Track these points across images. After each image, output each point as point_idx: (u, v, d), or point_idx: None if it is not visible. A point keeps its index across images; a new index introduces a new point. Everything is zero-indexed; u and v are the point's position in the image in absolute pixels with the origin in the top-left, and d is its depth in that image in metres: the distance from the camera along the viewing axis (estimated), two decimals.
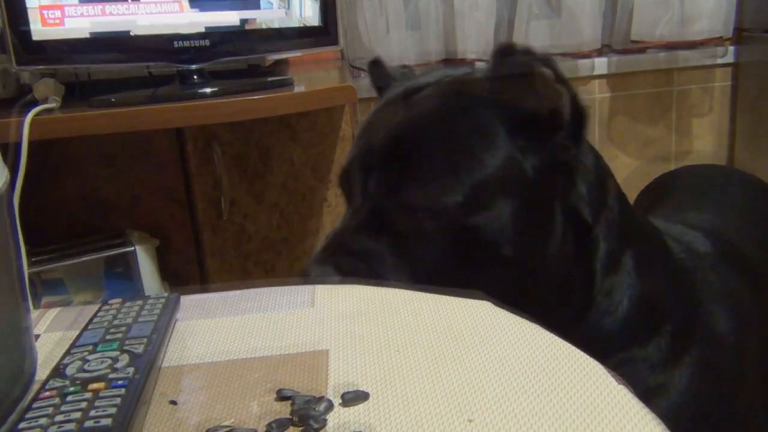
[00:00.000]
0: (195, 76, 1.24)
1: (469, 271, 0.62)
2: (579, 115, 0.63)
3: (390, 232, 0.64)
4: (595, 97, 1.93)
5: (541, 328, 0.44)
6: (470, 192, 0.60)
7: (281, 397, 0.37)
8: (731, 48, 1.93)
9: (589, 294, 0.65)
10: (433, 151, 0.62)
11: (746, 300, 0.75)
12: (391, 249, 0.63)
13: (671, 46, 1.88)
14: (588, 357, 0.39)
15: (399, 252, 0.63)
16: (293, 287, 0.52)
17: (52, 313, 0.51)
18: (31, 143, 1.05)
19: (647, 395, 0.64)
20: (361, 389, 0.37)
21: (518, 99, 0.62)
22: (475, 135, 0.62)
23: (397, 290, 0.50)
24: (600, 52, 1.86)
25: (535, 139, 0.62)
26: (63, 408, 0.33)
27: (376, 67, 0.82)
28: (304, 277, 0.62)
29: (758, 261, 0.84)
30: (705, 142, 2.02)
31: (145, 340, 0.40)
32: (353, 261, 0.63)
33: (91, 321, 0.44)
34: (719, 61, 1.93)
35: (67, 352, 0.39)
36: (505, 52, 0.63)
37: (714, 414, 0.68)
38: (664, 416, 0.64)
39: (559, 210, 0.64)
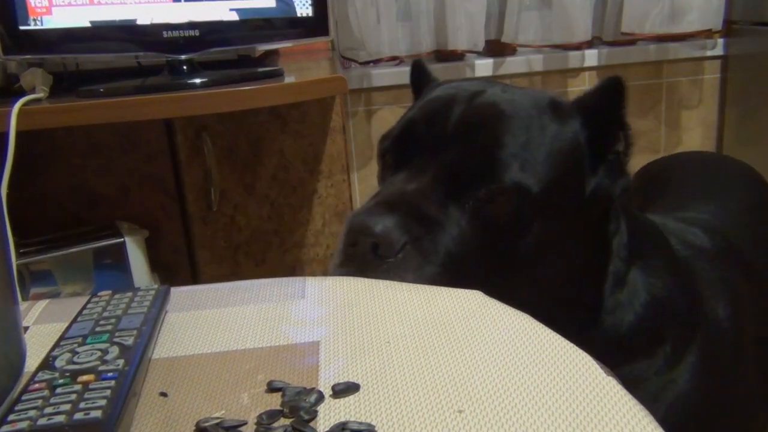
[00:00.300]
0: (184, 67, 1.23)
1: (511, 267, 0.62)
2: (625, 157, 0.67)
3: (456, 206, 0.61)
4: (585, 89, 1.93)
5: (531, 318, 0.44)
6: (548, 185, 0.61)
7: (272, 388, 0.37)
8: (720, 40, 1.93)
9: (595, 313, 0.66)
10: (521, 136, 0.62)
11: (742, 290, 0.77)
12: (454, 223, 0.60)
13: (661, 39, 1.88)
14: (577, 348, 0.40)
15: (461, 229, 0.60)
16: (284, 279, 0.52)
17: (41, 305, 0.51)
18: (18, 133, 1.04)
19: (655, 394, 0.65)
20: (351, 381, 0.37)
21: (604, 126, 0.65)
22: (562, 137, 0.64)
23: (387, 282, 0.50)
24: (590, 44, 1.87)
25: (595, 165, 0.65)
26: (52, 400, 0.33)
27: (418, 67, 0.82)
28: (360, 230, 0.57)
29: (751, 251, 0.85)
30: (694, 134, 2.03)
31: (134, 332, 0.40)
32: (418, 224, 0.58)
33: (80, 313, 0.44)
34: (709, 53, 1.94)
35: (57, 345, 0.39)
36: (617, 82, 0.65)
37: (716, 401, 0.69)
38: (671, 408, 0.65)
39: (591, 234, 0.67)
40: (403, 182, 0.62)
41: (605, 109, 0.65)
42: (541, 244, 0.62)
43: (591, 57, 1.88)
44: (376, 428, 0.33)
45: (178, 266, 1.35)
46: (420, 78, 0.80)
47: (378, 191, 0.65)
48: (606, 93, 0.66)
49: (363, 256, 0.57)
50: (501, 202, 0.60)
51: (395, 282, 0.50)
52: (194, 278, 1.34)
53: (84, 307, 0.45)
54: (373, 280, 0.50)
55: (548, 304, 0.63)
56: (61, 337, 0.40)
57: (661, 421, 0.60)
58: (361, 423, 0.33)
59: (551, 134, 0.63)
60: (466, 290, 0.48)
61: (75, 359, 0.37)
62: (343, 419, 0.34)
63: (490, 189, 0.60)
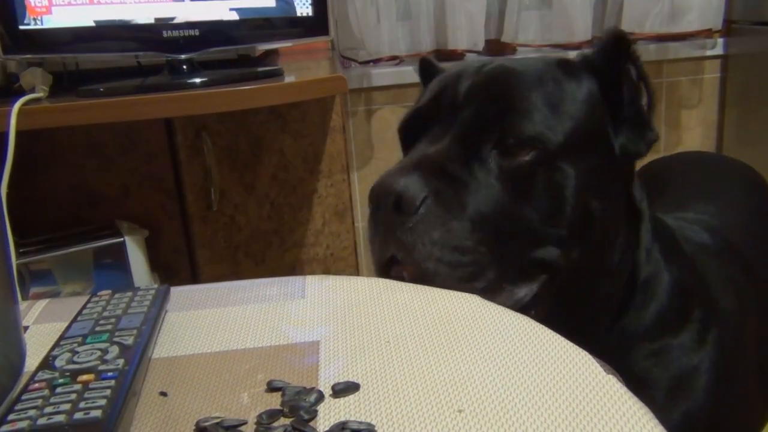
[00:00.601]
0: (184, 66, 1.23)
1: (541, 225, 0.59)
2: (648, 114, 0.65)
3: (478, 161, 0.59)
4: None
5: (529, 319, 0.44)
6: (570, 135, 0.59)
7: (272, 388, 0.37)
8: (720, 40, 1.93)
9: (630, 286, 0.66)
10: (535, 90, 0.61)
11: (743, 287, 0.77)
12: (477, 178, 0.58)
13: (661, 38, 1.88)
14: (577, 348, 0.40)
15: (484, 183, 0.58)
16: (284, 278, 0.52)
17: (41, 304, 0.51)
18: (18, 133, 1.04)
19: (682, 379, 0.65)
20: (351, 380, 0.37)
21: (616, 81, 0.64)
22: (577, 92, 0.62)
23: (387, 282, 0.50)
24: (590, 44, 1.87)
25: (618, 122, 0.64)
26: (52, 400, 0.33)
27: (427, 64, 0.82)
28: (381, 190, 0.56)
29: (751, 252, 0.85)
30: (694, 133, 2.03)
31: (134, 331, 0.40)
32: (438, 179, 0.57)
33: (80, 312, 0.44)
34: (708, 53, 1.94)
35: (57, 344, 0.39)
36: (617, 35, 0.64)
37: (731, 391, 0.69)
38: (696, 400, 0.65)
39: (624, 198, 0.66)
40: (423, 148, 0.61)
41: (615, 64, 0.64)
42: (571, 200, 0.59)
43: None
44: (375, 428, 0.33)
45: (178, 266, 1.35)
46: (429, 74, 0.79)
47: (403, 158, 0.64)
48: (613, 48, 0.65)
49: (387, 218, 0.55)
50: (521, 153, 0.58)
51: (395, 282, 0.50)
52: (194, 278, 1.34)
53: (84, 307, 0.45)
54: (373, 280, 0.50)
55: (581, 272, 0.62)
56: (61, 337, 0.40)
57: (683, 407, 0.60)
58: (360, 422, 0.33)
59: (566, 90, 0.62)
60: (465, 293, 0.49)
61: (75, 359, 0.37)
62: (343, 419, 0.34)
63: (508, 140, 0.59)
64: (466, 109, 0.61)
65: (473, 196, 0.57)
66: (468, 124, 0.60)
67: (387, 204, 0.55)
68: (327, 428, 0.33)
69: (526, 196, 0.59)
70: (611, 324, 0.65)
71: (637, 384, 0.63)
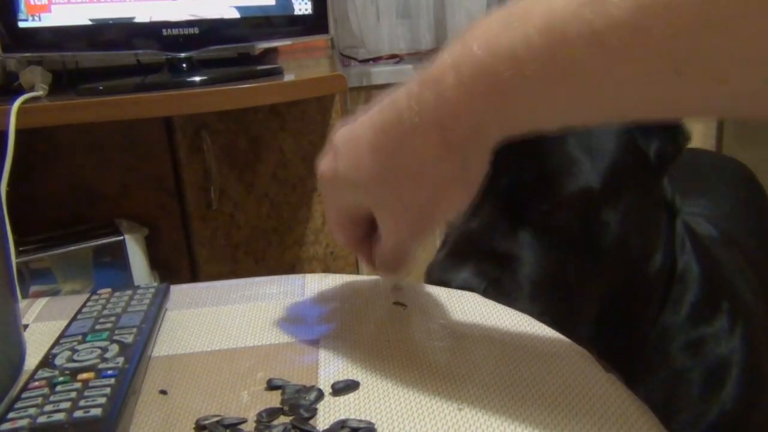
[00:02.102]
0: (184, 65, 1.23)
1: (598, 267, 0.59)
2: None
3: (524, 228, 0.58)
4: None
5: (529, 318, 0.44)
6: (608, 173, 0.58)
7: (272, 386, 0.37)
8: None
9: (669, 280, 0.65)
10: (576, 140, 0.58)
11: (750, 276, 0.77)
12: (528, 249, 0.57)
13: None
14: (576, 345, 0.40)
15: (536, 253, 0.57)
16: (283, 276, 0.52)
17: (41, 302, 0.51)
18: (18, 132, 1.04)
19: (717, 371, 0.65)
20: (351, 379, 0.37)
21: None
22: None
23: (386, 279, 0.50)
24: None
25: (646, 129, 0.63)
26: (52, 398, 0.33)
27: None
28: (436, 284, 0.54)
29: (744, 244, 0.85)
30: (694, 132, 2.02)
31: (134, 330, 0.40)
32: (492, 265, 0.56)
33: (80, 311, 0.44)
34: None
35: (56, 342, 0.39)
36: None
37: (760, 381, 0.70)
38: (729, 393, 0.65)
39: (663, 204, 0.65)
40: (465, 221, 0.59)
41: None
42: (615, 240, 0.59)
43: None
44: (375, 426, 0.33)
45: (177, 264, 1.35)
46: None
47: (444, 239, 0.62)
48: None
49: None
50: (566, 209, 0.57)
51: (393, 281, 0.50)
52: (194, 276, 1.34)
53: (84, 305, 0.45)
54: (372, 278, 0.50)
55: (629, 285, 0.62)
56: (61, 335, 0.40)
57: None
58: (360, 420, 0.33)
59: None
60: (465, 291, 0.49)
61: (75, 357, 0.37)
62: (342, 417, 0.34)
63: (550, 202, 0.57)
64: (500, 170, 0.58)
65: (527, 269, 0.56)
66: (505, 190, 0.58)
67: None
68: (327, 426, 0.33)
69: (579, 248, 0.58)
70: (654, 319, 0.65)
71: (675, 380, 0.64)
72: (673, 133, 0.64)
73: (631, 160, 0.61)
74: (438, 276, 0.56)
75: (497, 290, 0.54)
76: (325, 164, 0.42)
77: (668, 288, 0.65)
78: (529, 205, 0.58)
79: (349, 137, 0.41)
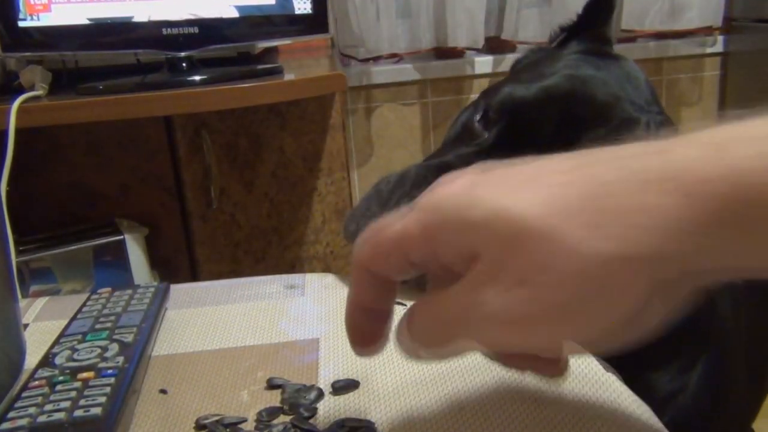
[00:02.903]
0: (184, 64, 1.23)
1: None
2: None
3: None
4: None
5: None
6: None
7: (272, 385, 0.37)
8: (720, 37, 1.93)
9: None
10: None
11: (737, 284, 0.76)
12: None
13: (661, 36, 1.88)
14: None
15: None
16: (284, 276, 0.52)
17: (41, 302, 0.51)
18: (18, 131, 1.04)
19: (665, 400, 0.64)
20: (351, 378, 0.37)
21: None
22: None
23: None
24: None
25: None
26: (52, 397, 0.33)
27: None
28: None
29: None
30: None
31: (134, 329, 0.40)
32: None
33: (80, 310, 0.44)
34: (708, 50, 1.94)
35: (56, 342, 0.39)
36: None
37: (720, 399, 0.69)
38: (680, 408, 0.64)
39: None
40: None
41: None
42: None
43: None
44: (375, 425, 0.33)
45: (177, 263, 1.35)
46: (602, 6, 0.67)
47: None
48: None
49: None
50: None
51: None
52: (194, 275, 1.34)
53: (84, 305, 0.45)
54: None
55: None
56: (61, 335, 0.40)
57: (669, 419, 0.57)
58: (360, 420, 0.33)
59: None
60: None
61: (75, 356, 0.37)
62: (342, 416, 0.34)
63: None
64: (581, 128, 0.50)
65: None
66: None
67: None
68: (327, 425, 0.33)
69: None
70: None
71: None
72: None
73: None
74: (413, 190, 0.47)
75: None
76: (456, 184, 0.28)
77: None
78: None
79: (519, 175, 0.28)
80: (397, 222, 0.28)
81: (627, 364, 0.63)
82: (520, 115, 0.52)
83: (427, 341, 0.29)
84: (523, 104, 0.53)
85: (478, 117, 0.55)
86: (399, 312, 0.45)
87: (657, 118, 0.56)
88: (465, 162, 0.47)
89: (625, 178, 0.25)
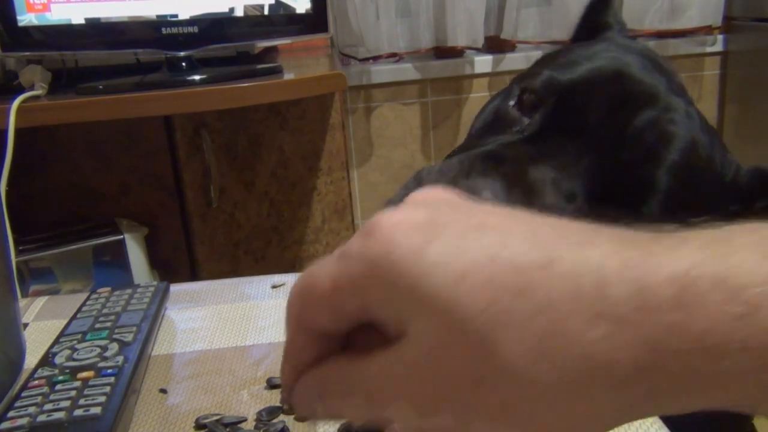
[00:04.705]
0: (183, 63, 1.23)
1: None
2: None
3: (577, 183, 0.46)
4: None
5: None
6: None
7: (271, 385, 0.37)
8: (720, 37, 1.93)
9: None
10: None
11: None
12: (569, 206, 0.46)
13: (660, 35, 1.88)
14: None
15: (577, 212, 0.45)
16: (283, 276, 0.52)
17: (41, 301, 0.51)
18: (17, 131, 1.04)
19: None
20: None
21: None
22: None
23: None
24: None
25: None
26: (52, 396, 0.33)
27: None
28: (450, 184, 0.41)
29: None
30: None
31: (134, 328, 0.40)
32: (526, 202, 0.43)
33: (80, 310, 0.44)
34: (708, 49, 1.94)
35: (56, 341, 0.39)
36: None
37: None
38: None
39: None
40: (544, 163, 0.46)
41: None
42: None
43: None
44: None
45: (177, 263, 1.35)
46: (600, 11, 0.65)
47: (483, 147, 0.48)
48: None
49: None
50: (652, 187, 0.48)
51: None
52: (193, 275, 1.34)
53: (83, 304, 0.45)
54: None
55: None
56: (61, 334, 0.40)
57: None
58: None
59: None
60: None
61: (74, 356, 0.37)
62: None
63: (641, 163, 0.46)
64: (632, 151, 0.47)
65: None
66: (615, 176, 0.46)
67: None
68: (326, 426, 0.33)
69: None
70: None
71: None
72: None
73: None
74: (459, 179, 0.43)
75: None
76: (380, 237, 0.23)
77: None
78: (599, 135, 0.47)
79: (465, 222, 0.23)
80: (328, 271, 0.24)
81: None
82: (567, 97, 0.49)
83: (323, 411, 0.26)
84: (570, 86, 0.50)
85: (512, 103, 0.52)
86: None
87: (691, 109, 0.54)
88: (513, 150, 0.46)
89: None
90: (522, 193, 0.43)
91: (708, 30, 1.88)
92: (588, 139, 0.47)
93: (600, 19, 0.63)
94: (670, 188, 0.47)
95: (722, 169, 0.55)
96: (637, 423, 0.32)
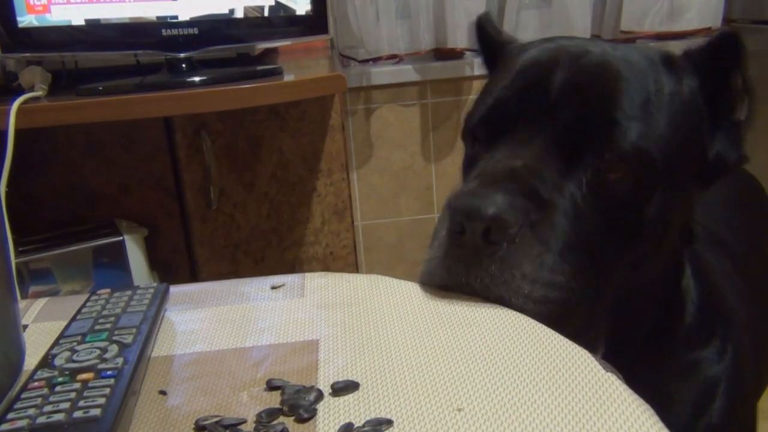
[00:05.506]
0: (183, 65, 1.23)
1: (630, 247, 0.56)
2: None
3: (572, 181, 0.53)
4: None
5: (529, 318, 0.44)
6: (670, 148, 0.55)
7: (271, 386, 0.37)
8: None
9: (671, 295, 0.64)
10: (641, 94, 0.55)
11: (735, 279, 0.77)
12: (572, 203, 0.52)
13: (660, 37, 1.88)
14: (576, 346, 0.40)
15: (579, 210, 0.52)
16: (283, 277, 0.52)
17: (40, 303, 0.51)
18: (17, 132, 1.04)
19: (707, 391, 0.65)
20: (351, 379, 0.37)
21: (719, 86, 0.61)
22: (680, 96, 0.58)
23: (385, 279, 0.50)
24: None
25: (716, 129, 0.61)
26: (51, 398, 0.32)
27: (483, 22, 0.75)
28: (471, 213, 0.48)
29: (732, 243, 0.85)
30: None
31: (134, 330, 0.40)
32: (533, 206, 0.50)
33: (79, 311, 0.44)
34: None
35: (56, 343, 0.39)
36: (730, 36, 0.61)
37: (744, 395, 0.70)
38: (717, 409, 0.65)
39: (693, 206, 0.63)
40: (507, 158, 0.53)
41: (722, 67, 0.60)
42: (660, 220, 0.56)
43: None
44: (393, 422, 0.33)
45: (177, 264, 1.35)
46: (486, 34, 0.73)
47: (477, 172, 0.55)
48: (723, 50, 0.60)
49: (473, 245, 0.48)
50: (621, 172, 0.53)
51: (394, 279, 0.50)
52: (193, 276, 1.34)
53: (83, 306, 0.45)
54: (372, 277, 0.50)
55: (643, 288, 0.60)
56: (61, 335, 0.40)
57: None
58: (380, 420, 0.33)
59: (669, 93, 0.57)
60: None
61: (74, 357, 0.37)
62: (342, 417, 0.34)
63: (609, 158, 0.53)
64: (558, 115, 0.54)
65: (565, 223, 0.52)
66: (561, 135, 0.53)
67: (475, 229, 0.48)
68: (326, 427, 0.33)
69: (621, 220, 0.54)
70: (650, 334, 0.64)
71: (667, 400, 0.63)
72: (736, 144, 0.61)
73: (691, 152, 0.58)
74: (468, 201, 0.49)
75: (535, 233, 0.49)
76: None
77: (668, 304, 0.64)
78: (585, 153, 0.53)
79: None
80: None
81: (669, 350, 0.63)
82: (501, 108, 0.58)
83: None
84: (500, 100, 0.58)
85: (473, 146, 0.61)
86: (399, 312, 0.45)
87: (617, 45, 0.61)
88: (502, 164, 0.54)
89: None
90: (529, 187, 0.51)
91: (708, 32, 1.88)
92: (538, 123, 0.55)
93: (491, 33, 0.74)
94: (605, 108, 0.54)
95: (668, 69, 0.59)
96: (637, 423, 0.32)
